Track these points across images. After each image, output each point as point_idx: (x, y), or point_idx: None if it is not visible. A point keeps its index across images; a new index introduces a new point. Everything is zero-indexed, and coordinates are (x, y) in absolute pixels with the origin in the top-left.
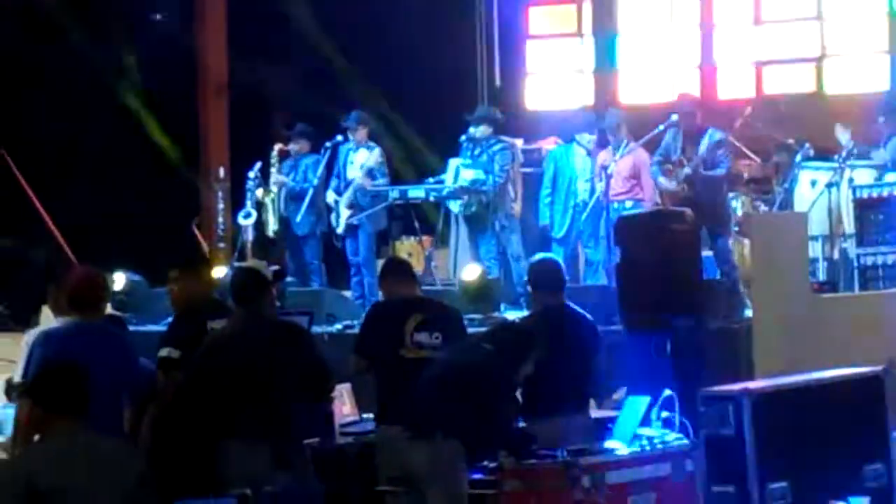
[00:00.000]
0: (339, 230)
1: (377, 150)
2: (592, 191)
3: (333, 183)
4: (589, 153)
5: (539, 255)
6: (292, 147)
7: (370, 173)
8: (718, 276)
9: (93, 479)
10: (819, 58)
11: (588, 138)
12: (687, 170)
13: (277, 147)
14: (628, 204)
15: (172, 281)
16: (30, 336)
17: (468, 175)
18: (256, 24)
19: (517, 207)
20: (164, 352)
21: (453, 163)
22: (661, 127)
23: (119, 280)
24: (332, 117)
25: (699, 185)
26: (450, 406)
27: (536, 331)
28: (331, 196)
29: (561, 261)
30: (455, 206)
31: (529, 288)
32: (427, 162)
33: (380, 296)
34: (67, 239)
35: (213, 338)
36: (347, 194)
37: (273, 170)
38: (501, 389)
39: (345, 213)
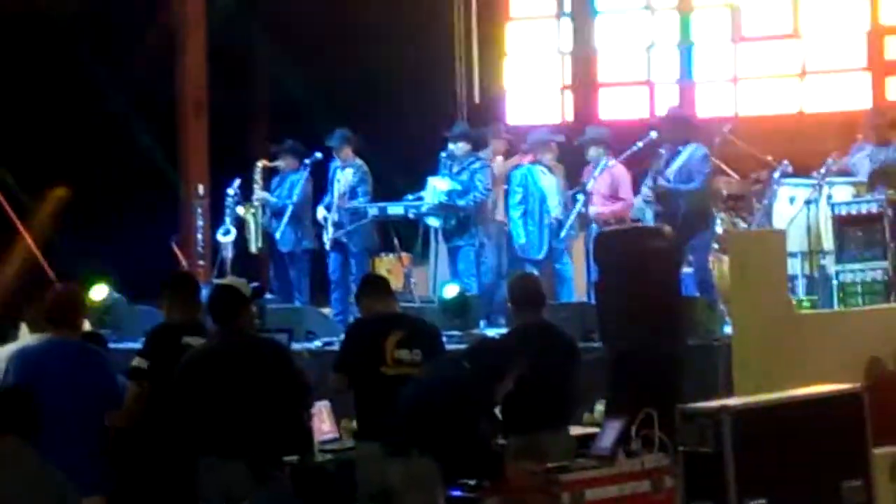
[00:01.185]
0: (327, 246)
1: (352, 169)
2: (569, 208)
3: (327, 199)
4: (550, 170)
5: (519, 273)
6: (280, 163)
7: (351, 192)
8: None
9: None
10: (799, 75)
11: (549, 156)
12: (648, 181)
13: (261, 163)
14: (611, 221)
15: (166, 300)
16: (4, 353)
17: (443, 186)
18: (236, 43)
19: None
20: (134, 361)
21: (432, 181)
22: (640, 144)
23: (98, 296)
24: (311, 134)
25: (665, 199)
26: (426, 424)
27: (516, 348)
28: (321, 212)
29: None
30: (434, 221)
31: (509, 305)
32: (401, 181)
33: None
34: (45, 254)
35: (190, 354)
36: (334, 212)
37: (256, 186)
38: (478, 408)
39: (331, 230)
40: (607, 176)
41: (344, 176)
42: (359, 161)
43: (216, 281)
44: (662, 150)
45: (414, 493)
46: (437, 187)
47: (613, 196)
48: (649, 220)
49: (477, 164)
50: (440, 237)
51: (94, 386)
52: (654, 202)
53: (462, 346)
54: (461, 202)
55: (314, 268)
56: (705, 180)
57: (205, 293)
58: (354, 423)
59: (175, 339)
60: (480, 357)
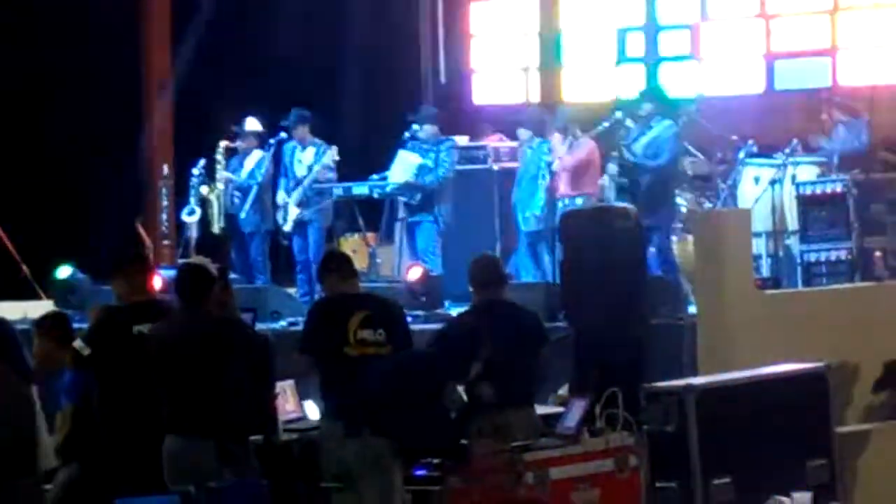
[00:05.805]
0: (287, 228)
1: (334, 149)
2: (536, 188)
3: (283, 182)
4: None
5: (478, 254)
6: (240, 144)
7: (329, 167)
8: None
9: None
10: (766, 55)
11: (524, 133)
12: (614, 153)
13: (223, 143)
14: (578, 201)
15: (115, 280)
16: None
17: (415, 160)
18: (200, 21)
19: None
20: (76, 343)
21: (403, 154)
22: (605, 124)
23: (63, 276)
24: (275, 114)
25: (630, 173)
26: (384, 405)
27: (483, 330)
28: (281, 196)
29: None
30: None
31: (470, 286)
32: (368, 160)
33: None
34: (10, 235)
35: (156, 334)
36: (298, 191)
37: (219, 166)
38: (442, 391)
39: (293, 210)
40: (574, 155)
41: (305, 155)
42: (318, 140)
43: (181, 261)
44: (630, 125)
45: (368, 473)
46: (409, 160)
47: (579, 174)
48: (612, 195)
49: (446, 144)
50: (404, 216)
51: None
52: (617, 176)
53: (426, 326)
54: (428, 178)
55: (275, 248)
56: (673, 158)
57: (167, 273)
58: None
59: (125, 327)
60: (448, 341)
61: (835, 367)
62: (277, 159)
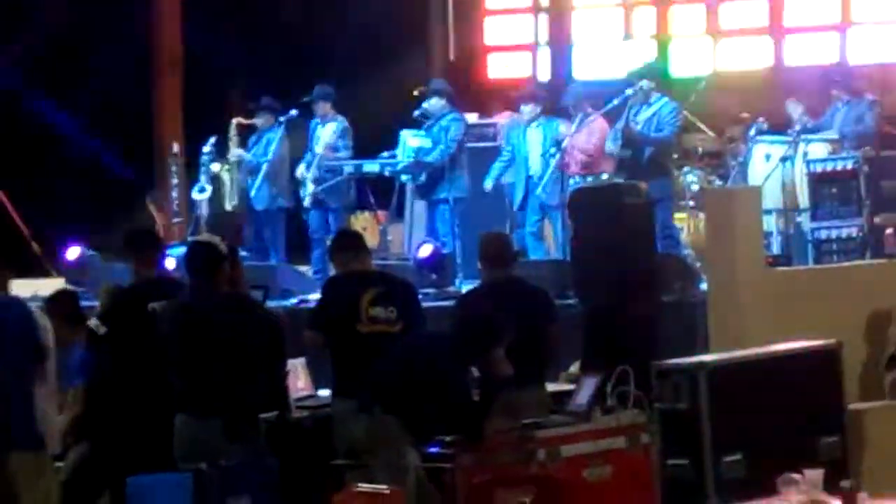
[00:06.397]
0: (305, 203)
1: (335, 124)
2: (546, 164)
3: (308, 157)
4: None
5: (489, 231)
6: (257, 121)
7: (332, 147)
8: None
9: None
10: (774, 31)
11: (527, 110)
12: (618, 125)
13: (236, 121)
14: (589, 178)
15: (126, 258)
16: None
17: (414, 143)
18: None
19: None
20: (92, 321)
21: (404, 134)
22: (616, 101)
23: (73, 254)
24: (287, 91)
25: (632, 144)
26: (396, 384)
27: (501, 311)
28: (300, 170)
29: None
30: (405, 176)
31: (479, 263)
32: (377, 138)
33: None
34: (21, 213)
35: (167, 312)
36: (313, 168)
37: (231, 144)
38: (457, 373)
39: (310, 186)
40: (585, 132)
41: (324, 132)
42: (339, 117)
43: (192, 238)
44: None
45: (378, 449)
46: (408, 143)
47: (591, 151)
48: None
49: (450, 118)
50: (415, 194)
51: (22, 339)
52: (619, 149)
53: (437, 303)
54: (429, 158)
55: (290, 226)
56: (675, 133)
57: (178, 251)
58: None
59: (141, 305)
60: (463, 322)
61: (871, 316)
62: (298, 137)
